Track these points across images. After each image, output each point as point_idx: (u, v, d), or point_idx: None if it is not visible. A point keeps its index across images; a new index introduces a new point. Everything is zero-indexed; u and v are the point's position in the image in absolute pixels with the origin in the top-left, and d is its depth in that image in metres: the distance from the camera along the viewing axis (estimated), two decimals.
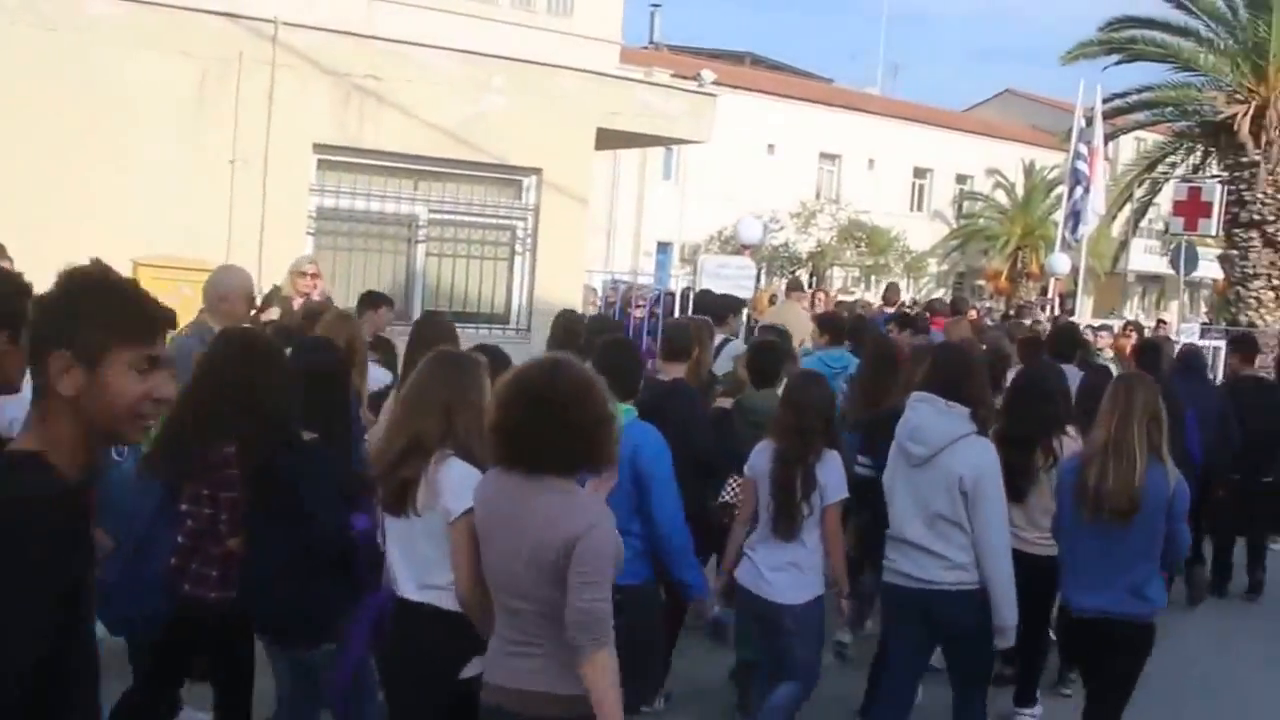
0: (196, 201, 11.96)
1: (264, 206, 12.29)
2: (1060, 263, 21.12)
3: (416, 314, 13.44)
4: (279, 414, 5.03)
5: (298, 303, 10.24)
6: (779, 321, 12.54)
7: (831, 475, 6.19)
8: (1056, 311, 20.89)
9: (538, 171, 13.95)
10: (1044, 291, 42.30)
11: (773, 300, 18.73)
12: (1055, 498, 6.50)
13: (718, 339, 10.17)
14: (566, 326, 8.88)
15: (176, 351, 5.34)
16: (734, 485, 7.17)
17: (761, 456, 6.34)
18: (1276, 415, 12.22)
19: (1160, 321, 20.19)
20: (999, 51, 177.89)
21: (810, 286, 44.94)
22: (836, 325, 11.21)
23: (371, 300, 10.05)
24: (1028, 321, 17.95)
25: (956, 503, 5.79)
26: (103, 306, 2.50)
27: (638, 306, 15.86)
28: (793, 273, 44.05)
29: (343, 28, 13.14)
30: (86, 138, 11.56)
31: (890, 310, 16.61)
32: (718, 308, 11.79)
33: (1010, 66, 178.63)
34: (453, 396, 4.54)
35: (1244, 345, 13.17)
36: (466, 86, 13.42)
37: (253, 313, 9.60)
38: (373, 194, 13.20)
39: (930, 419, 5.95)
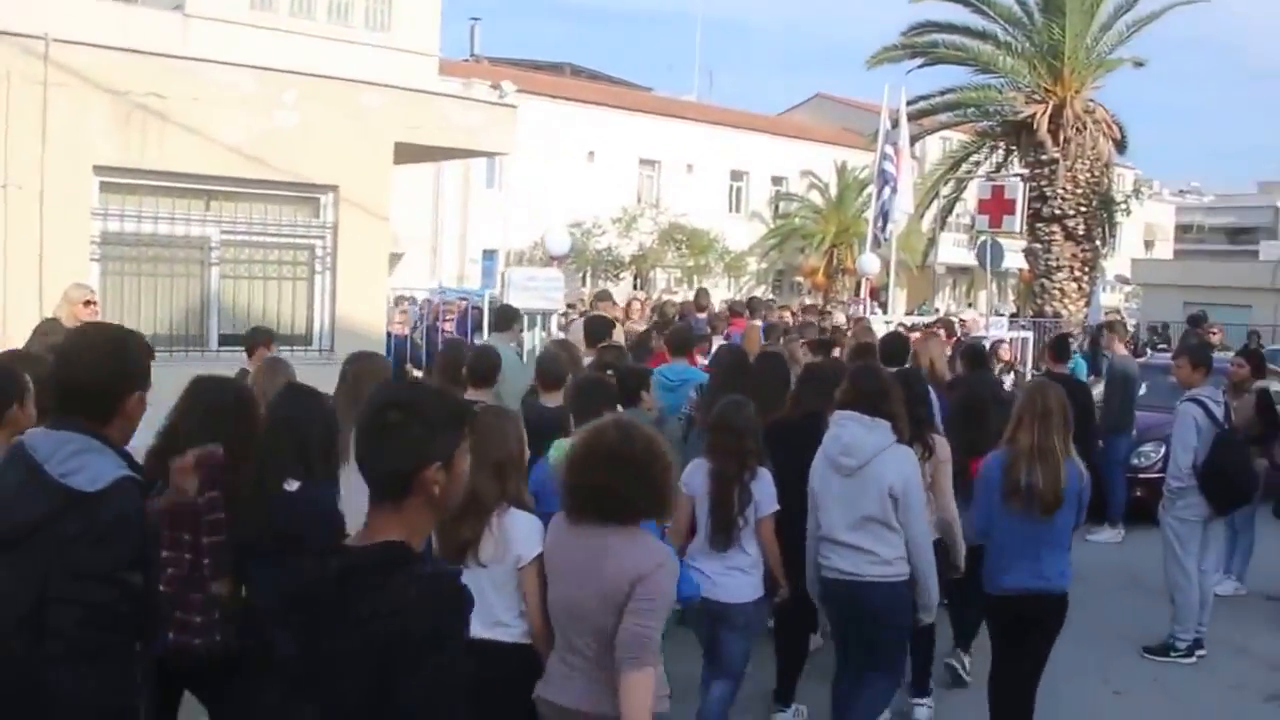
0: None
1: (42, 233, 11.42)
2: (870, 263, 20.95)
3: (214, 339, 12.79)
4: (261, 461, 5.09)
5: None
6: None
7: (764, 490, 6.70)
8: (870, 309, 20.72)
9: (335, 188, 13.26)
10: (857, 289, 42.70)
11: (595, 304, 18.25)
12: (960, 493, 7.68)
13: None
14: (450, 358, 8.88)
15: None
16: None
17: (697, 475, 6.76)
18: (1085, 411, 12.28)
19: (960, 321, 20.10)
20: (811, 58, 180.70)
21: (635, 288, 44.92)
22: (684, 340, 10.69)
23: (261, 336, 10.24)
24: (816, 321, 17.66)
25: (886, 506, 6.45)
26: (448, 414, 2.97)
27: (447, 320, 15.32)
28: (618, 276, 43.87)
29: (127, 44, 12.32)
30: None
31: (701, 315, 16.33)
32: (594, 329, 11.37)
33: (822, 72, 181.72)
34: (503, 455, 4.91)
35: (1056, 346, 14.30)
36: (257, 103, 12.67)
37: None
38: (161, 216, 12.34)
39: (860, 434, 6.56)
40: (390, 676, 2.68)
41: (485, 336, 14.21)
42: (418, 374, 13.71)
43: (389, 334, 14.36)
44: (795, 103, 61.98)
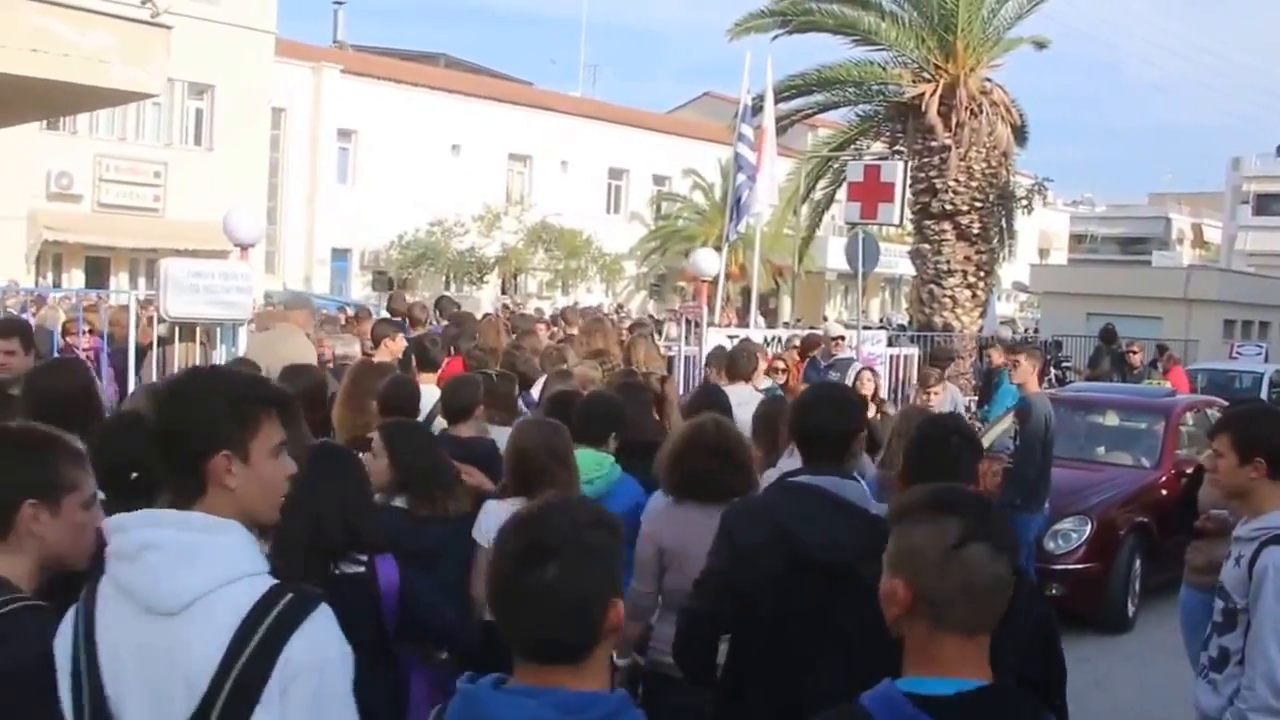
0: None
1: None
2: (706, 260, 15.48)
3: None
4: None
5: None
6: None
7: None
8: (704, 319, 15.43)
9: None
10: (745, 295, 37.57)
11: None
12: None
13: None
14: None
15: None
16: None
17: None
18: None
19: (839, 338, 14.82)
20: (707, 63, 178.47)
21: (501, 292, 39.80)
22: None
23: None
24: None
25: None
26: None
27: (73, 334, 10.09)
28: (481, 279, 38.84)
29: None
30: None
31: (396, 317, 12.06)
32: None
33: (717, 79, 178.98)
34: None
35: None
36: None
37: None
38: None
39: None
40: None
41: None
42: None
43: None
44: (682, 101, 57.14)
